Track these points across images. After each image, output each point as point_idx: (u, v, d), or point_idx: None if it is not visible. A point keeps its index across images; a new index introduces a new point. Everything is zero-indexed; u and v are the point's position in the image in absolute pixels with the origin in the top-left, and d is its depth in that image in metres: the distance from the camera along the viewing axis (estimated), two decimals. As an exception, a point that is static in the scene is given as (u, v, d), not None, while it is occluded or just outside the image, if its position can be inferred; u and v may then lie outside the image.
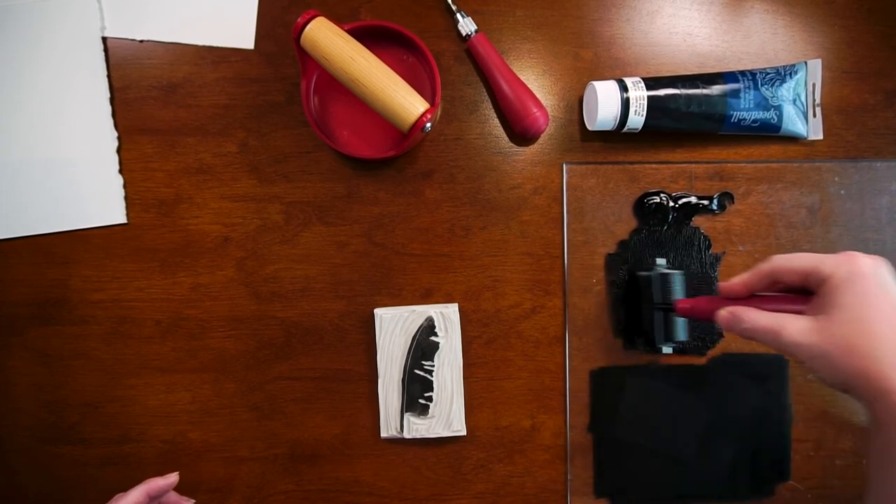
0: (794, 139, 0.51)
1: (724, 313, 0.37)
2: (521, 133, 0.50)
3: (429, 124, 0.45)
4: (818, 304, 0.33)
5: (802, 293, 0.35)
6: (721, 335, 0.51)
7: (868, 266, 0.33)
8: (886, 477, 0.31)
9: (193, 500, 0.45)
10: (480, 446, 0.51)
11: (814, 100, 0.51)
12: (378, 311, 0.50)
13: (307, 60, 0.46)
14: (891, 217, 0.51)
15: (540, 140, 0.51)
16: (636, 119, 0.48)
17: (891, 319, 0.32)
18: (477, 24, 0.50)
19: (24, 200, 0.50)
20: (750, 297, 0.37)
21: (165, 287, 0.51)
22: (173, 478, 0.43)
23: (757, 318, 0.35)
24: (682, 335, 0.47)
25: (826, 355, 0.32)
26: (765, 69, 0.50)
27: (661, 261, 0.50)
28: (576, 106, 0.51)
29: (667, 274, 0.47)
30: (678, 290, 0.47)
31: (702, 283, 0.51)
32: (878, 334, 0.31)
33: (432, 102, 0.47)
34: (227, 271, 0.51)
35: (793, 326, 0.33)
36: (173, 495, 0.44)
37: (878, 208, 0.51)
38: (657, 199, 0.51)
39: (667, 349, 0.49)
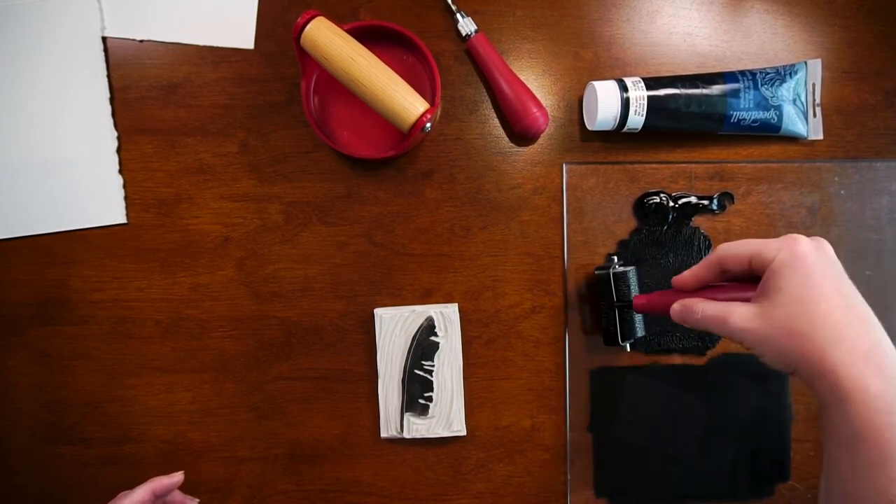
0: (794, 139, 0.51)
1: (677, 306, 0.38)
2: (521, 133, 0.50)
3: (429, 124, 0.45)
4: (762, 290, 0.34)
5: (753, 281, 0.35)
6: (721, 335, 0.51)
7: (808, 247, 0.33)
8: (832, 456, 0.31)
9: (198, 500, 0.45)
10: (480, 446, 0.51)
11: (814, 100, 0.51)
12: (378, 311, 0.50)
13: (307, 60, 0.46)
14: (890, 217, 0.51)
15: (540, 140, 0.51)
16: (636, 119, 0.48)
17: (830, 300, 0.32)
18: (477, 24, 0.50)
19: (24, 200, 0.50)
20: (703, 289, 0.38)
21: (165, 287, 0.51)
22: (178, 477, 0.43)
23: (705, 308, 0.36)
24: (640, 332, 0.48)
25: (769, 339, 0.32)
26: (765, 69, 0.50)
27: (615, 258, 0.50)
28: (576, 106, 0.51)
29: (621, 272, 0.47)
30: (633, 287, 0.48)
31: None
32: (818, 315, 0.31)
33: (432, 102, 0.47)
34: (227, 271, 0.51)
35: (737, 313, 0.34)
36: (178, 494, 0.44)
37: (877, 208, 0.51)
38: (657, 199, 0.51)
39: (626, 346, 0.49)
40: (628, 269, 0.48)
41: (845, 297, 0.32)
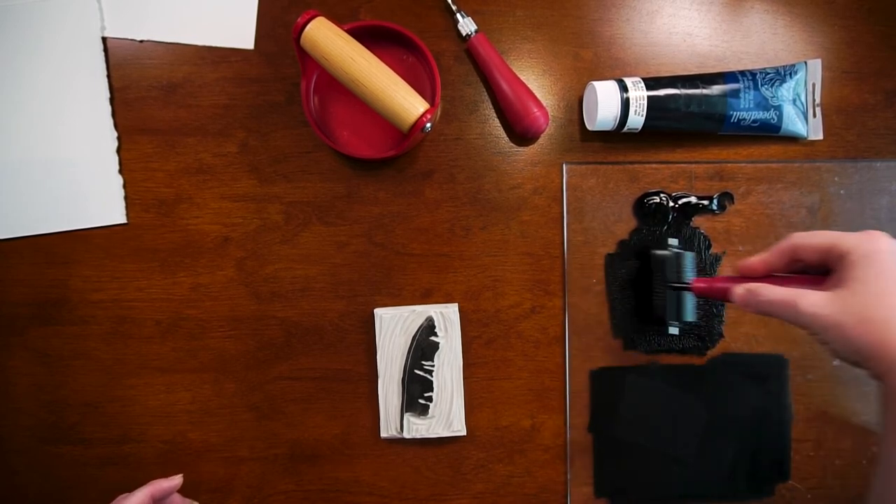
0: (794, 139, 0.51)
1: (741, 290, 0.37)
2: (521, 133, 0.50)
3: (429, 124, 0.45)
4: (836, 280, 0.33)
5: (821, 273, 0.35)
6: (721, 335, 0.51)
7: (887, 243, 0.33)
8: (894, 454, 0.31)
9: (197, 503, 0.45)
10: (480, 446, 0.51)
11: (814, 100, 0.51)
12: (378, 311, 0.50)
13: (307, 60, 0.46)
14: (890, 217, 0.51)
15: (540, 140, 0.51)
16: (636, 119, 0.48)
17: None
18: (477, 24, 0.50)
19: (24, 200, 0.50)
20: (767, 277, 0.37)
21: (165, 287, 0.51)
22: (177, 479, 0.43)
23: (773, 291, 0.35)
24: (690, 315, 0.48)
25: (840, 325, 0.32)
26: (765, 69, 0.50)
27: (673, 241, 0.49)
28: (576, 106, 0.51)
29: (681, 254, 0.48)
30: (690, 270, 0.47)
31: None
32: (894, 306, 0.31)
33: (432, 102, 0.47)
34: (227, 271, 0.51)
35: (809, 298, 0.33)
36: (177, 497, 0.44)
37: (877, 208, 0.51)
38: (657, 199, 0.51)
39: (673, 330, 0.49)
40: (687, 251, 0.48)
41: None
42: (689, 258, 0.48)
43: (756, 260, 0.38)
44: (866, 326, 0.31)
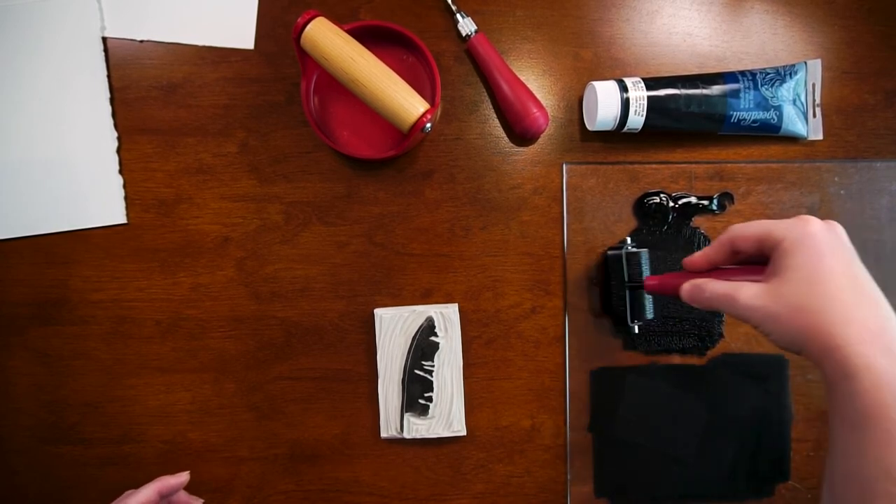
0: (794, 139, 0.51)
1: (686, 286, 0.38)
2: (521, 133, 0.50)
3: (429, 124, 0.45)
4: (772, 269, 0.34)
5: (763, 263, 0.35)
6: (721, 335, 0.51)
7: (819, 227, 0.33)
8: (837, 436, 0.31)
9: (202, 500, 0.45)
10: (480, 446, 0.51)
11: (814, 100, 0.51)
12: (378, 311, 0.50)
13: (307, 60, 0.46)
14: (890, 217, 0.51)
15: (540, 140, 0.51)
16: (636, 119, 0.48)
17: (840, 279, 0.32)
18: (477, 24, 0.50)
19: (24, 200, 0.50)
20: (713, 271, 0.38)
21: (165, 287, 0.51)
22: (185, 476, 0.43)
23: (714, 286, 0.36)
24: (649, 314, 0.48)
25: (777, 316, 0.32)
26: (765, 69, 0.50)
27: (627, 239, 0.50)
28: (576, 106, 0.51)
29: (633, 252, 0.48)
30: (645, 268, 0.48)
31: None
32: (827, 293, 0.31)
33: (432, 102, 0.47)
34: (227, 271, 0.51)
35: (746, 291, 0.34)
36: (183, 494, 0.44)
37: (877, 208, 0.51)
38: (657, 200, 0.51)
39: (635, 328, 0.49)
40: (641, 250, 0.48)
41: (855, 277, 0.32)
42: (643, 256, 0.48)
43: (698, 255, 0.38)
44: (800, 315, 0.32)
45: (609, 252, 0.49)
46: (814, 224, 0.33)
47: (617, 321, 0.50)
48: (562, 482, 0.51)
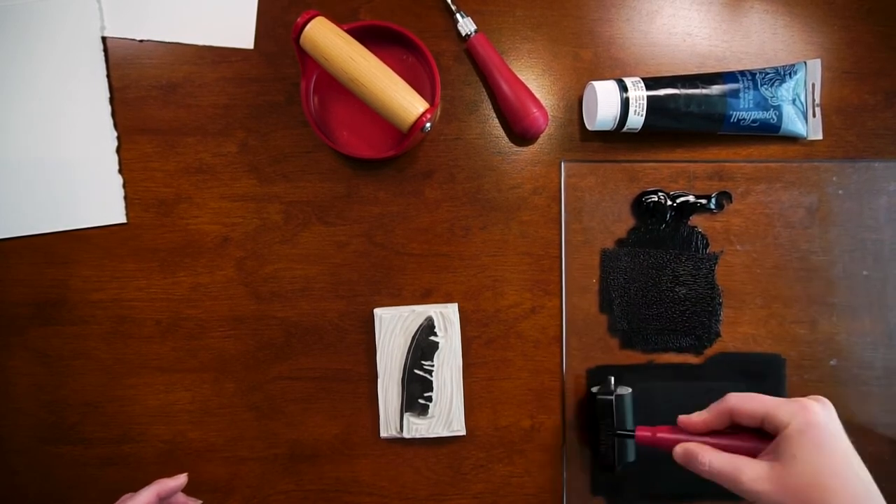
0: (793, 139, 0.52)
1: (680, 451, 0.39)
2: (520, 133, 0.50)
3: (428, 124, 0.45)
4: (775, 452, 0.35)
5: (757, 433, 0.37)
6: (718, 334, 0.51)
7: (821, 416, 0.35)
8: None
9: (201, 502, 0.45)
10: (480, 446, 0.51)
11: (813, 100, 0.51)
12: (378, 311, 0.50)
13: (307, 60, 0.46)
14: (889, 217, 0.51)
15: (539, 140, 0.51)
16: (636, 119, 0.48)
17: (843, 472, 0.34)
18: (477, 24, 0.50)
19: (23, 200, 0.50)
20: (708, 433, 0.39)
21: (165, 287, 0.51)
22: (182, 479, 0.43)
23: (713, 459, 0.37)
24: (631, 456, 0.48)
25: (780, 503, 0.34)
26: (764, 69, 0.50)
27: (611, 378, 0.49)
28: (575, 106, 0.51)
29: (622, 396, 0.48)
30: (629, 412, 0.48)
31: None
32: (830, 488, 0.33)
33: (432, 102, 0.47)
34: (227, 271, 0.51)
35: (750, 472, 0.35)
36: (181, 496, 0.44)
37: (876, 208, 0.51)
38: (655, 198, 0.51)
39: (618, 470, 0.48)
40: (626, 392, 0.48)
41: (855, 472, 0.34)
42: (628, 399, 0.48)
43: (696, 419, 0.39)
44: None
45: (598, 396, 0.48)
46: (816, 413, 0.35)
47: (605, 466, 0.48)
48: (561, 482, 0.51)
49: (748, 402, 0.37)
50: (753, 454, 0.36)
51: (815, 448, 0.34)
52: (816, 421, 0.35)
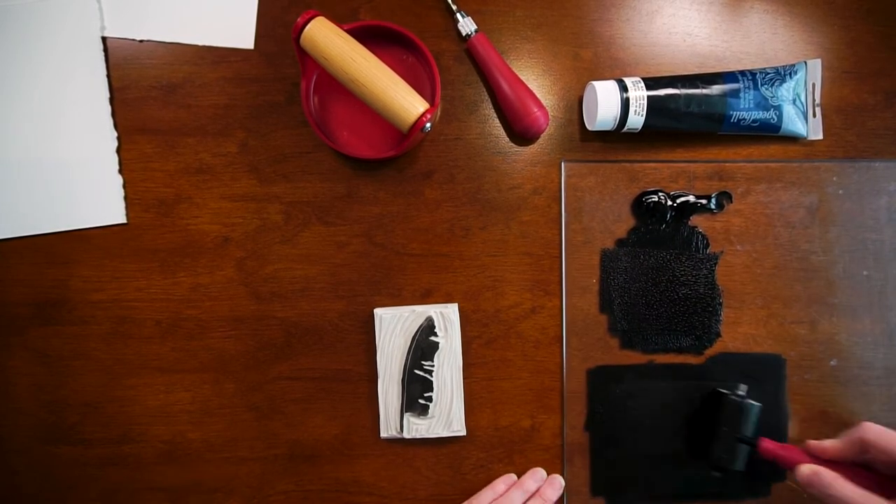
0: (793, 139, 0.52)
1: (808, 471, 0.37)
2: (521, 133, 0.50)
3: (429, 124, 0.45)
4: None
5: (890, 478, 0.35)
6: (719, 335, 0.51)
7: None
8: None
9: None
10: (480, 446, 0.51)
11: (813, 100, 0.51)
12: (378, 311, 0.50)
13: (307, 60, 0.46)
14: (889, 217, 0.51)
15: (540, 140, 0.51)
16: (636, 119, 0.48)
17: None
18: (477, 24, 0.50)
19: (23, 200, 0.50)
20: (836, 462, 0.38)
21: (165, 287, 0.51)
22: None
23: (844, 488, 0.35)
24: (742, 466, 0.47)
25: None
26: (765, 69, 0.50)
27: (744, 386, 0.49)
28: (576, 106, 0.51)
29: (752, 405, 0.47)
30: (755, 424, 0.47)
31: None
32: None
33: (432, 102, 0.47)
34: (227, 271, 0.51)
35: None
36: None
37: (876, 208, 0.51)
38: (655, 198, 0.51)
39: (717, 473, 0.48)
40: (756, 404, 0.47)
41: None
42: (756, 410, 0.47)
43: (829, 445, 0.38)
44: None
45: (729, 396, 0.47)
46: None
47: (717, 467, 0.47)
48: (561, 482, 0.51)
49: (887, 438, 0.35)
50: (885, 495, 0.34)
51: None
52: None
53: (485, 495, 0.48)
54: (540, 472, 0.50)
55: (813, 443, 0.39)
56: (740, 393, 0.49)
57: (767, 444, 0.41)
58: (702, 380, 0.51)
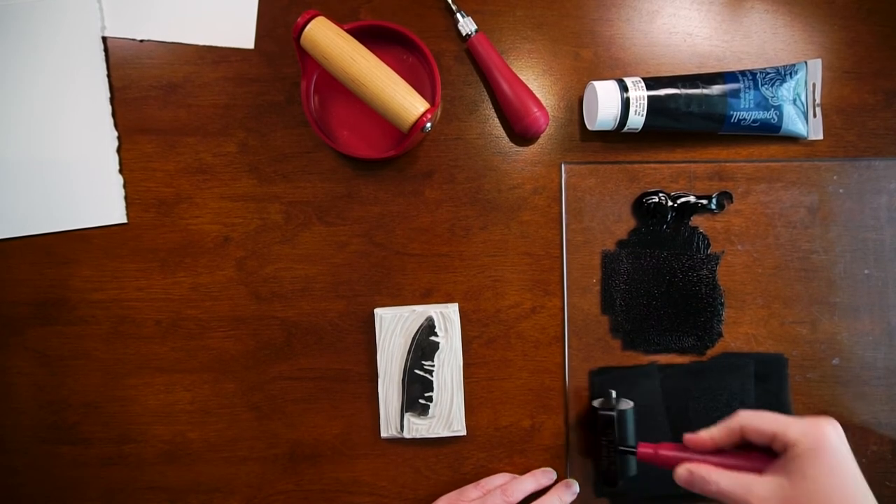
0: (794, 139, 0.51)
1: (683, 472, 0.38)
2: (521, 133, 0.50)
3: (429, 124, 0.45)
4: (782, 467, 0.35)
5: (761, 451, 0.37)
6: (721, 335, 0.51)
7: (833, 438, 0.35)
8: None
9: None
10: (480, 446, 0.51)
11: (814, 100, 0.51)
12: (378, 311, 0.50)
13: (307, 60, 0.46)
14: (889, 216, 0.51)
15: (540, 140, 0.51)
16: (636, 119, 0.48)
17: (853, 495, 0.34)
18: (477, 24, 0.50)
19: (23, 200, 0.50)
20: (714, 452, 0.38)
21: (165, 287, 0.51)
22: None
23: (721, 479, 0.36)
24: (633, 471, 0.48)
25: None
26: (765, 69, 0.50)
27: (613, 392, 0.49)
28: (576, 106, 0.51)
29: (624, 412, 0.47)
30: (631, 427, 0.47)
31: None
32: None
33: (432, 102, 0.47)
34: (227, 271, 0.51)
35: (760, 491, 0.35)
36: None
37: (876, 207, 0.51)
38: (656, 199, 0.51)
39: (619, 485, 0.48)
40: (627, 407, 0.48)
41: (863, 495, 0.34)
42: (629, 414, 0.47)
43: (704, 436, 0.39)
44: None
45: (600, 411, 0.48)
46: (827, 432, 0.35)
47: (608, 481, 0.48)
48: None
49: (758, 420, 0.37)
50: (759, 473, 0.36)
51: (827, 469, 0.34)
52: (829, 442, 0.34)
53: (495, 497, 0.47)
54: (551, 473, 0.50)
55: (689, 436, 0.39)
56: (612, 402, 0.48)
57: (644, 449, 0.42)
58: (704, 380, 0.51)
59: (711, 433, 0.39)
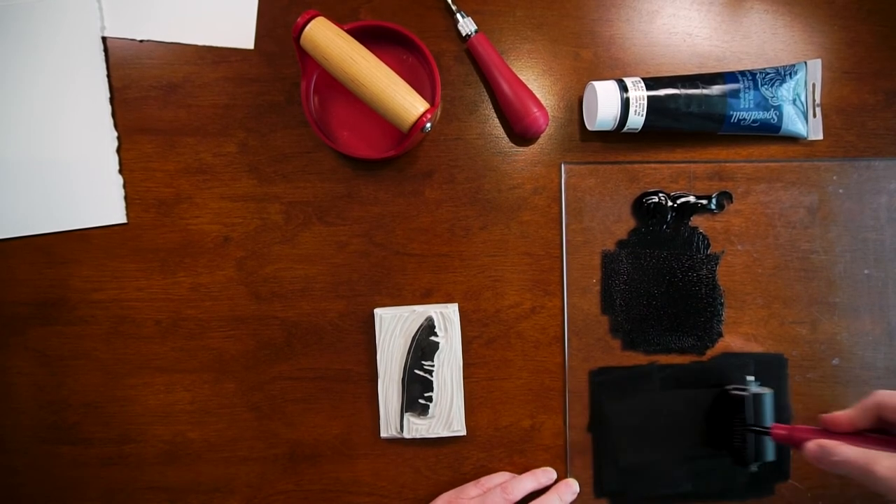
0: (793, 139, 0.51)
1: (813, 446, 0.37)
2: (521, 133, 0.50)
3: (429, 124, 0.45)
4: None
5: None
6: (721, 335, 0.51)
7: None
8: None
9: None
10: (480, 446, 0.51)
11: (814, 100, 0.51)
12: (378, 311, 0.50)
13: (307, 60, 0.46)
14: (889, 216, 0.51)
15: (540, 140, 0.51)
16: (636, 119, 0.48)
17: None
18: (477, 24, 0.50)
19: (23, 200, 0.50)
20: (849, 434, 0.38)
21: (165, 287, 0.51)
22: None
23: (846, 451, 0.35)
24: (771, 455, 0.47)
25: None
26: (765, 69, 0.50)
27: (750, 378, 0.49)
28: (576, 106, 0.51)
29: (760, 395, 0.47)
30: (769, 412, 0.47)
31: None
32: None
33: (432, 102, 0.47)
34: (227, 271, 0.51)
35: (884, 461, 0.33)
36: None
37: (876, 207, 0.51)
38: (655, 199, 0.51)
39: (753, 468, 0.48)
40: (766, 392, 0.47)
41: None
42: (767, 398, 0.47)
43: (841, 415, 0.38)
44: None
45: (734, 393, 0.48)
46: None
47: (739, 460, 0.48)
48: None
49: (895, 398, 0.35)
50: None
51: None
52: None
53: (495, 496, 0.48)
54: (550, 472, 0.50)
55: (826, 416, 0.39)
56: (748, 385, 0.48)
57: (777, 430, 0.42)
58: (705, 380, 0.51)
59: (848, 412, 0.38)
